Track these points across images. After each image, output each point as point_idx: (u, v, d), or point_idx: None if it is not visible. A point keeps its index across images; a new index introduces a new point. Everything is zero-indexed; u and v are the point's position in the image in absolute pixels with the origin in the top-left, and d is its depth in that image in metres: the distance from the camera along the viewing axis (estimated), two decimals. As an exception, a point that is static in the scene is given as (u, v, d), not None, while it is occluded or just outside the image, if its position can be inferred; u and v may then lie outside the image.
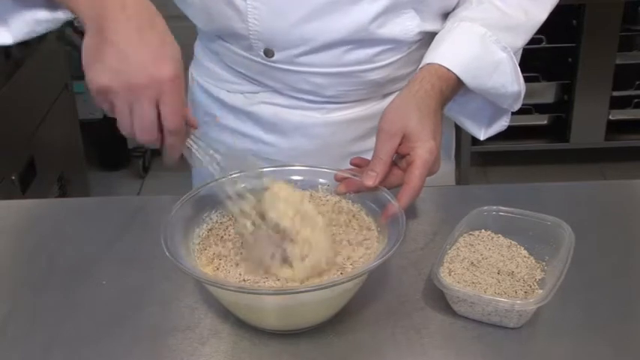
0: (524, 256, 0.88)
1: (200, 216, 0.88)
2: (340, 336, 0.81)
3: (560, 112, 2.94)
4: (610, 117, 2.89)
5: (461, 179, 2.83)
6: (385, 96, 1.10)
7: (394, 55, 1.04)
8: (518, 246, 0.89)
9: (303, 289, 0.75)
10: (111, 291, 0.89)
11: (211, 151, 0.86)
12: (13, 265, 0.97)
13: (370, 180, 0.88)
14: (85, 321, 0.85)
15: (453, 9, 1.05)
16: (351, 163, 0.96)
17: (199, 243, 0.86)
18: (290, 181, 0.92)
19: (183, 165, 0.89)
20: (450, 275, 0.84)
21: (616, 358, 0.78)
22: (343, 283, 0.75)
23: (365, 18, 0.98)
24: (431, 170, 0.92)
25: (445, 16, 1.05)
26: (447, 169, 1.18)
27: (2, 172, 2.01)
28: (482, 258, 0.86)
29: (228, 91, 1.12)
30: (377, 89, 1.08)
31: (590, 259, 0.89)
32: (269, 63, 1.04)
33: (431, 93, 0.94)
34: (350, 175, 0.91)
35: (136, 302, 0.87)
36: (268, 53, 1.02)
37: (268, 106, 1.10)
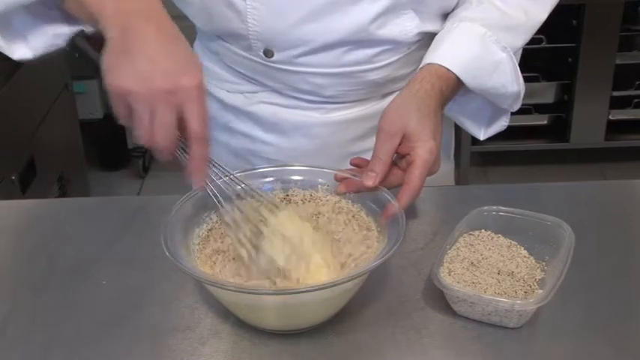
0: (524, 256, 0.88)
1: (200, 216, 0.88)
2: (340, 336, 0.81)
3: (560, 112, 2.94)
4: (610, 117, 2.89)
5: (461, 179, 2.83)
6: (385, 96, 1.10)
7: (393, 56, 1.04)
8: (518, 246, 0.89)
9: (303, 289, 0.75)
10: (111, 291, 0.89)
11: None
12: (13, 265, 0.97)
13: (370, 180, 0.88)
14: (85, 321, 0.85)
15: (453, 9, 1.05)
16: (351, 163, 0.96)
17: (199, 243, 0.86)
18: (290, 182, 0.92)
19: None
20: (450, 275, 0.84)
21: (616, 358, 0.78)
22: (343, 283, 0.75)
23: (365, 19, 0.98)
24: (431, 170, 0.92)
25: (445, 16, 1.05)
26: (446, 169, 1.18)
27: (2, 172, 2.02)
28: (483, 258, 0.86)
29: (227, 91, 1.12)
30: (376, 89, 1.08)
31: (590, 259, 0.89)
32: (268, 63, 1.04)
33: (431, 93, 0.94)
34: (350, 175, 0.91)
35: (136, 302, 0.87)
36: (268, 53, 1.02)
37: (268, 105, 1.10)
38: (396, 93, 0.98)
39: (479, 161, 3.09)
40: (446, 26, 1.02)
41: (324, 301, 0.78)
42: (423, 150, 0.90)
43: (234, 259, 0.84)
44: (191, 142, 0.78)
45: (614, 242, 0.95)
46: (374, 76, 1.05)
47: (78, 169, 2.66)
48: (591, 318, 0.82)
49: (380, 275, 0.87)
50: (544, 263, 0.87)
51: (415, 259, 0.91)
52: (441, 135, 0.94)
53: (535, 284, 0.83)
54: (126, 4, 0.80)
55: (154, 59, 0.77)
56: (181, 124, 0.77)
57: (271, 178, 0.92)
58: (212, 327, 0.82)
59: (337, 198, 0.91)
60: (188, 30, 1.14)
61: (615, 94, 2.84)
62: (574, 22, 2.75)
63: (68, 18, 0.90)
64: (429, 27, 1.03)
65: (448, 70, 0.97)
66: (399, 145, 0.91)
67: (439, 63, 0.97)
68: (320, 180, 0.92)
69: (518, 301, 0.79)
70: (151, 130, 0.77)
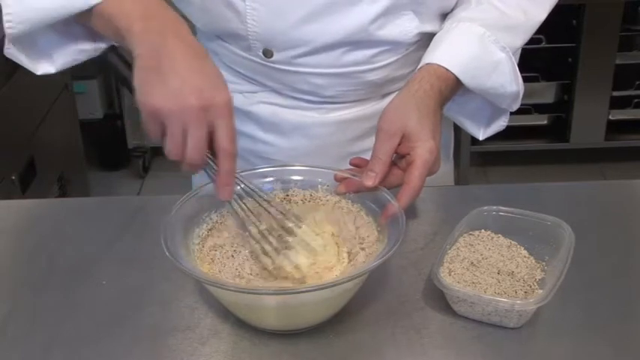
0: (524, 256, 0.88)
1: (200, 216, 0.88)
2: (340, 336, 0.81)
3: (560, 112, 2.94)
4: (610, 117, 2.89)
5: (460, 179, 2.83)
6: (384, 96, 1.10)
7: (393, 56, 1.04)
8: (518, 246, 0.89)
9: (303, 289, 0.75)
10: (111, 291, 0.89)
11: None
12: (13, 265, 0.97)
13: (370, 180, 0.88)
14: (85, 321, 0.85)
15: (452, 10, 1.05)
16: (351, 163, 0.96)
17: (199, 243, 0.86)
18: (289, 182, 0.92)
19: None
20: (450, 275, 0.84)
21: (616, 358, 0.78)
22: (343, 283, 0.75)
23: (364, 19, 0.98)
24: (431, 170, 0.92)
25: (444, 16, 1.05)
26: (446, 169, 1.18)
27: (2, 172, 2.01)
28: (483, 258, 0.86)
29: (227, 91, 1.12)
30: (376, 89, 1.08)
31: (590, 259, 0.89)
32: (268, 63, 1.04)
33: (430, 93, 0.94)
34: (350, 175, 0.91)
35: (136, 302, 0.87)
36: (267, 54, 1.02)
37: (267, 105, 1.10)
38: (396, 93, 0.98)
39: (479, 161, 3.09)
40: (445, 26, 1.02)
41: (324, 301, 0.78)
42: (422, 150, 0.90)
43: (232, 256, 0.84)
44: (220, 157, 0.80)
45: (614, 242, 0.95)
46: (373, 76, 1.05)
47: (78, 169, 2.66)
48: (591, 318, 0.82)
49: (380, 275, 0.87)
50: (544, 263, 0.87)
51: (415, 259, 0.91)
52: (441, 135, 0.95)
53: (535, 284, 0.83)
54: (154, 22, 0.81)
55: (185, 77, 0.78)
56: (210, 139, 0.79)
57: (271, 178, 0.92)
58: (212, 327, 0.82)
59: (337, 198, 0.91)
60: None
61: (615, 94, 2.84)
62: (574, 22, 2.75)
63: (92, 34, 0.91)
64: (429, 27, 1.03)
65: (447, 70, 0.97)
66: (399, 145, 0.91)
67: (438, 63, 0.97)
68: (320, 180, 0.92)
69: (518, 301, 0.79)
70: (183, 146, 0.78)
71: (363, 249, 0.84)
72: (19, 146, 2.15)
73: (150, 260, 0.91)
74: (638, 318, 0.84)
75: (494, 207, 0.91)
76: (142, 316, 0.85)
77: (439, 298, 0.83)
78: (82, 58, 0.93)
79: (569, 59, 2.82)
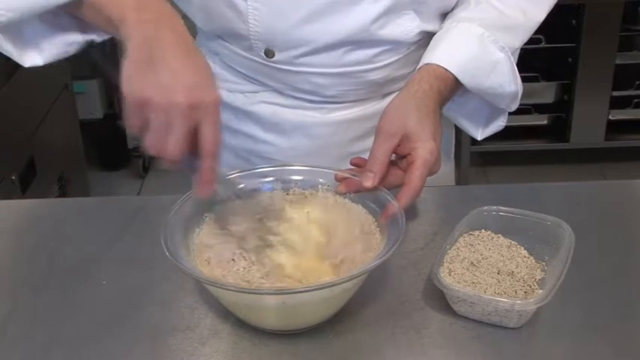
0: (524, 256, 0.88)
1: (200, 216, 0.88)
2: (340, 336, 0.81)
3: (560, 112, 2.94)
4: (610, 117, 2.89)
5: (461, 179, 2.83)
6: (385, 96, 1.10)
7: (394, 56, 1.05)
8: (518, 246, 0.89)
9: (303, 289, 0.75)
10: (111, 291, 0.89)
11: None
12: (13, 265, 0.97)
13: (368, 181, 0.88)
14: (85, 321, 0.85)
15: (452, 9, 1.05)
16: (351, 163, 0.96)
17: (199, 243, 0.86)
18: (290, 182, 0.92)
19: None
20: (450, 275, 0.84)
21: (616, 358, 0.78)
22: (343, 283, 0.75)
23: (366, 19, 0.98)
24: (431, 171, 0.92)
25: (444, 16, 1.05)
26: (447, 170, 1.18)
27: (2, 172, 2.02)
28: (483, 258, 0.86)
29: (228, 91, 1.12)
30: (376, 89, 1.08)
31: (590, 259, 0.89)
32: (269, 63, 1.04)
33: (429, 93, 0.95)
34: (350, 175, 0.91)
35: (136, 302, 0.87)
36: (269, 54, 1.02)
37: (268, 105, 1.10)
38: (396, 93, 0.98)
39: (479, 161, 3.09)
40: (444, 26, 1.02)
41: (323, 301, 0.78)
42: (423, 150, 0.90)
43: (233, 259, 0.84)
44: (203, 156, 0.78)
45: (614, 242, 0.95)
46: (374, 75, 1.05)
47: (78, 169, 2.66)
48: (591, 318, 0.82)
49: (380, 275, 0.87)
50: (544, 263, 0.87)
51: (415, 259, 0.91)
52: (441, 135, 0.95)
53: (535, 284, 0.83)
54: (147, 14, 0.80)
55: (176, 71, 0.76)
56: (193, 137, 0.77)
57: (271, 178, 0.92)
58: (212, 327, 0.82)
59: (337, 198, 0.91)
60: (188, 30, 1.14)
61: (615, 94, 2.84)
62: (574, 22, 2.75)
63: (81, 26, 0.90)
64: (430, 27, 1.03)
65: (446, 70, 0.97)
66: (399, 145, 0.91)
67: (437, 63, 0.97)
68: (320, 180, 0.92)
69: (518, 301, 0.79)
70: (164, 141, 0.76)
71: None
72: (19, 146, 2.15)
73: (150, 260, 0.91)
74: (638, 318, 0.84)
75: (494, 207, 0.91)
76: (142, 316, 0.85)
77: (439, 298, 0.83)
78: (72, 50, 0.92)
79: (569, 59, 2.82)
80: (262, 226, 0.84)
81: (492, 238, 0.90)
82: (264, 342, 0.80)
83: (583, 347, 0.79)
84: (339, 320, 0.82)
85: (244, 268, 0.81)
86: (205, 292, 0.86)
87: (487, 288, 0.82)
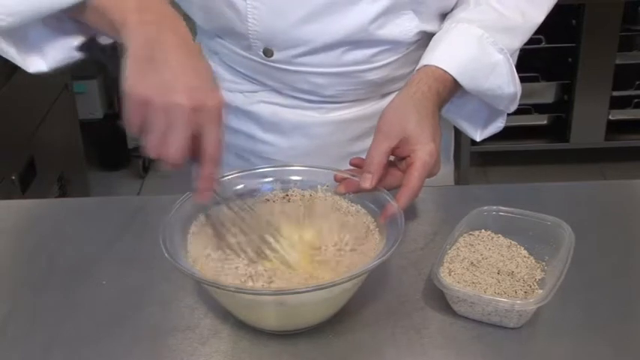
0: (524, 256, 0.88)
1: (199, 216, 0.88)
2: (340, 336, 0.81)
3: (560, 112, 2.94)
4: (610, 117, 2.89)
5: (460, 179, 2.83)
6: (384, 96, 1.10)
7: (392, 56, 1.05)
8: (518, 246, 0.89)
9: (303, 290, 0.75)
10: (111, 291, 0.89)
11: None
12: (13, 265, 0.97)
13: (367, 182, 0.88)
14: (85, 321, 0.85)
15: (451, 10, 1.05)
16: (351, 164, 0.96)
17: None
18: (289, 182, 0.92)
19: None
20: (450, 275, 0.84)
21: (616, 358, 0.78)
22: (342, 283, 0.75)
23: (364, 19, 0.98)
24: (431, 172, 0.92)
25: (444, 16, 1.05)
26: (446, 171, 1.18)
27: (2, 172, 2.01)
28: (482, 258, 0.86)
29: (227, 90, 1.12)
30: (375, 89, 1.08)
31: (590, 259, 0.89)
32: (268, 63, 1.04)
33: (428, 95, 0.94)
34: (349, 176, 0.91)
35: (136, 302, 0.87)
36: (267, 53, 1.02)
37: (267, 105, 1.10)
38: (395, 93, 0.98)
39: (479, 161, 3.09)
40: (443, 27, 1.02)
41: (323, 301, 0.78)
42: (423, 152, 0.90)
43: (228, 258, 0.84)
44: (204, 161, 0.77)
45: (614, 242, 0.95)
46: (373, 75, 1.05)
47: (78, 169, 2.66)
48: (591, 318, 0.82)
49: (380, 275, 0.87)
50: (544, 263, 0.87)
51: (415, 259, 0.91)
52: (441, 137, 0.95)
53: (535, 284, 0.83)
54: (149, 16, 0.79)
55: (178, 72, 0.75)
56: (195, 141, 0.76)
57: (271, 178, 0.92)
58: (212, 327, 0.82)
59: (337, 198, 0.91)
60: (189, 29, 1.14)
61: (615, 94, 2.84)
62: (574, 22, 2.75)
63: (84, 30, 0.89)
64: (429, 27, 1.03)
65: (445, 71, 0.97)
66: (399, 147, 0.91)
67: (436, 65, 0.97)
68: (319, 180, 0.92)
69: (518, 301, 0.79)
70: (164, 142, 0.75)
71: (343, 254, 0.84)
72: (19, 146, 2.15)
73: (150, 260, 0.91)
74: (638, 318, 0.84)
75: (494, 207, 0.91)
76: (142, 316, 0.85)
77: (439, 298, 0.83)
78: (76, 56, 0.92)
79: (569, 59, 2.82)
80: (260, 240, 0.83)
81: (492, 238, 0.90)
82: (264, 342, 0.80)
83: (583, 347, 0.79)
84: (339, 320, 0.82)
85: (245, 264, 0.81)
86: (205, 292, 0.86)
87: (487, 288, 0.82)
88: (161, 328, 0.83)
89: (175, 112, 0.74)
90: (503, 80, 1.01)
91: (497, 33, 1.00)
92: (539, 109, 2.91)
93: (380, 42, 1.02)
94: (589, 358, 0.78)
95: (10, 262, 0.97)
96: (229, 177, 0.89)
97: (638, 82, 2.86)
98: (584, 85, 2.82)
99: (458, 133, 1.24)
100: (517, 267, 0.85)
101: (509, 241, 0.89)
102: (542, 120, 2.96)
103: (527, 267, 0.86)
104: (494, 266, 0.85)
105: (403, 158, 0.92)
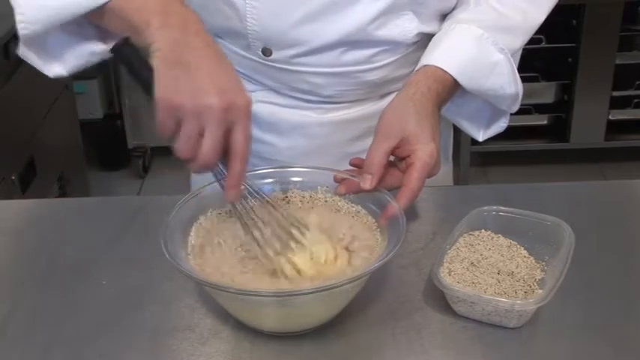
0: (524, 256, 0.88)
1: (200, 217, 0.88)
2: (341, 336, 0.81)
3: (560, 112, 2.94)
4: (610, 117, 2.89)
5: (460, 179, 2.83)
6: (383, 96, 1.09)
7: (392, 56, 1.04)
8: (518, 246, 0.89)
9: (303, 291, 0.75)
10: (111, 291, 0.89)
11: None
12: (13, 265, 0.97)
13: (366, 183, 0.88)
14: (85, 321, 0.85)
15: (451, 11, 1.05)
16: (351, 164, 0.96)
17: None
18: (289, 183, 0.92)
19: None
20: (450, 275, 0.84)
21: (616, 358, 0.78)
22: (343, 285, 0.75)
23: (364, 19, 0.98)
24: (431, 173, 0.92)
25: (443, 17, 1.05)
26: (445, 171, 1.18)
27: (2, 172, 2.01)
28: (482, 258, 0.86)
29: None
30: (375, 89, 1.08)
31: (590, 259, 0.89)
32: (267, 62, 1.04)
33: (427, 95, 0.94)
34: (349, 176, 0.91)
35: (136, 302, 0.87)
36: (266, 52, 1.02)
37: (266, 105, 1.10)
38: (395, 93, 0.98)
39: (479, 161, 3.09)
40: (443, 28, 1.02)
41: (324, 303, 0.78)
42: (423, 153, 0.90)
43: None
44: (232, 159, 0.78)
45: (614, 242, 0.95)
46: (372, 76, 1.05)
47: (78, 169, 2.66)
48: (591, 318, 0.82)
49: (380, 275, 0.87)
50: (544, 263, 0.87)
51: (415, 259, 0.91)
52: (440, 137, 0.95)
53: (535, 284, 0.83)
54: (173, 19, 0.80)
55: (208, 75, 0.77)
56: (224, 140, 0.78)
57: (271, 180, 0.92)
58: (212, 327, 0.82)
59: (337, 199, 0.91)
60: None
61: (615, 94, 2.84)
62: (574, 22, 2.75)
63: (103, 36, 0.90)
64: (428, 28, 1.03)
65: (445, 72, 0.97)
66: (399, 148, 0.92)
67: (435, 65, 0.97)
68: (319, 181, 0.92)
69: (518, 301, 0.79)
70: (197, 145, 0.77)
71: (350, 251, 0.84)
72: (19, 146, 2.15)
73: (150, 260, 0.91)
74: (638, 318, 0.84)
75: (494, 207, 0.91)
76: (142, 316, 0.85)
77: (439, 298, 0.83)
78: (94, 60, 0.93)
79: (569, 59, 2.82)
80: (287, 234, 0.83)
81: (492, 238, 0.90)
82: (264, 342, 0.80)
83: (583, 347, 0.79)
84: (340, 320, 0.82)
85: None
86: (205, 293, 0.86)
87: (487, 288, 0.82)
88: (161, 328, 0.83)
89: (207, 114, 0.76)
90: (504, 80, 1.01)
91: (498, 33, 1.00)
92: (539, 109, 2.91)
93: (379, 42, 1.02)
94: (589, 358, 0.78)
95: (10, 262, 0.97)
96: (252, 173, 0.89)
97: (638, 82, 2.86)
98: (584, 85, 2.82)
99: (458, 133, 1.24)
100: (517, 267, 0.85)
101: (509, 241, 0.89)
102: (542, 120, 2.96)
103: (527, 267, 0.86)
104: (494, 266, 0.85)
105: (403, 158, 0.92)
